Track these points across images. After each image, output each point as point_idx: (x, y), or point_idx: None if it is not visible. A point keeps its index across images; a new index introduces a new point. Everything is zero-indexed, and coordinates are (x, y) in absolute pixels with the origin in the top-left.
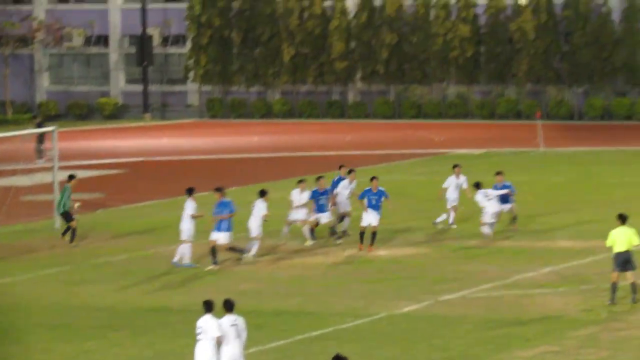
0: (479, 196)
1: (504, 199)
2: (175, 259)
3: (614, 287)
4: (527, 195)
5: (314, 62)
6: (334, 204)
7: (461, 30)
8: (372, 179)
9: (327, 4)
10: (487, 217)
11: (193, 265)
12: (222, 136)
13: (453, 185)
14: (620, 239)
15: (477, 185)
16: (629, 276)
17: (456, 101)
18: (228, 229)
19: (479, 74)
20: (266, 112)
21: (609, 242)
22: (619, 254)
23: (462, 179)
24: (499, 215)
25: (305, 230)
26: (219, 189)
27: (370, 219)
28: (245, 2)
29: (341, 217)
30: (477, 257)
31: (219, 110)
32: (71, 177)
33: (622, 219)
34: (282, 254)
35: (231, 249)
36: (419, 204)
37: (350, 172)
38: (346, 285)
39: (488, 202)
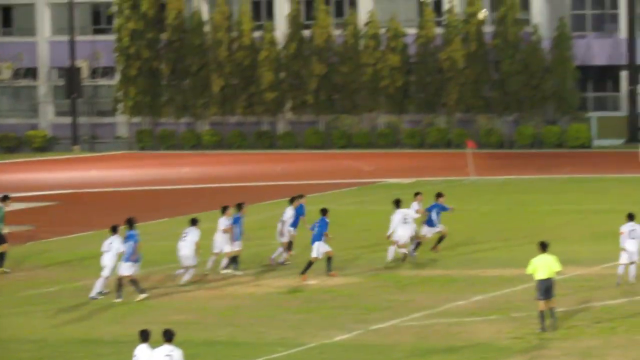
0: (398, 216)
1: (430, 223)
2: (98, 291)
3: (542, 315)
4: (458, 224)
5: (243, 93)
6: (282, 234)
7: (391, 60)
8: (326, 211)
9: (256, 34)
10: (402, 240)
11: (98, 297)
12: (152, 168)
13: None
14: (542, 266)
15: (397, 203)
16: (549, 302)
17: (386, 131)
18: (134, 260)
19: (408, 104)
20: (196, 143)
21: (529, 270)
22: (541, 282)
23: (417, 207)
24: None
25: (225, 261)
26: (129, 221)
27: (325, 247)
28: (174, 34)
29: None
30: (408, 286)
31: (148, 141)
32: (5, 197)
33: (543, 247)
34: (213, 285)
35: (133, 282)
36: (349, 234)
37: (294, 199)
38: (277, 316)
39: (403, 225)
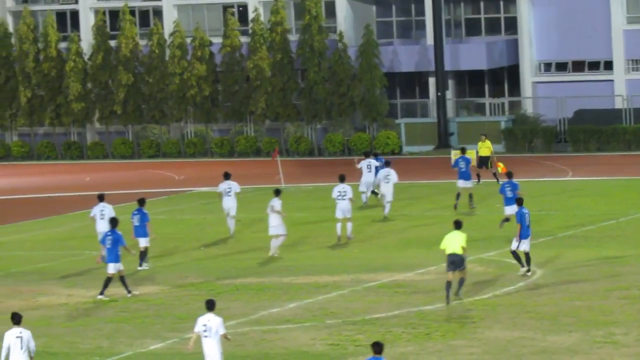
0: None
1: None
2: None
3: (448, 286)
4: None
5: (51, 104)
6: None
7: (197, 69)
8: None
9: (62, 45)
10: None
11: None
12: None
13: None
14: (450, 242)
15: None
16: (458, 273)
17: (195, 140)
18: None
19: (216, 112)
20: (4, 154)
21: (441, 246)
22: (448, 256)
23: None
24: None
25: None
26: None
27: None
28: None
29: None
30: (221, 294)
31: None
32: None
33: (457, 225)
34: (27, 295)
35: None
36: (162, 243)
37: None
38: (91, 325)
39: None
